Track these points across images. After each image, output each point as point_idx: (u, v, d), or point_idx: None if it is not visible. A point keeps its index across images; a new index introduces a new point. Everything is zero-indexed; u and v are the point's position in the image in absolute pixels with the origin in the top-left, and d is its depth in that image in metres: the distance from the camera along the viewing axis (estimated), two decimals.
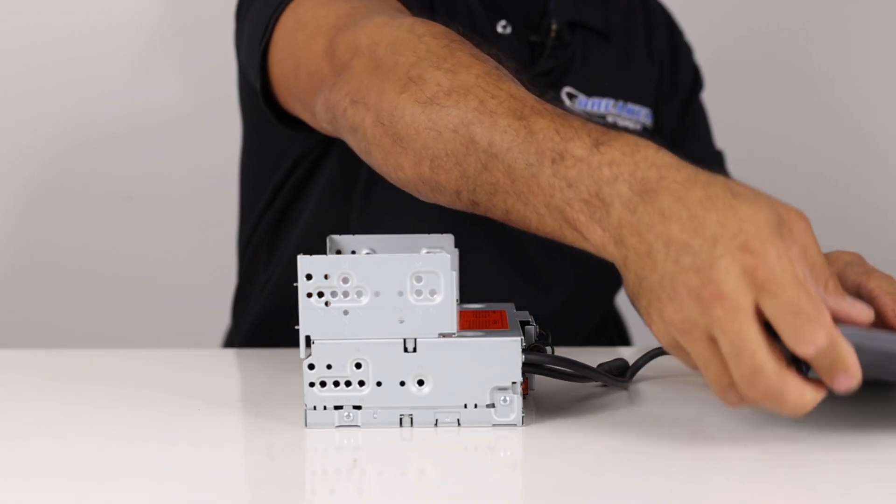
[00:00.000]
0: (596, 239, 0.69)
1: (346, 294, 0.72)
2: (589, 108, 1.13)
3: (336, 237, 0.85)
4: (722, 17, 1.59)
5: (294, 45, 0.95)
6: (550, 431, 0.74)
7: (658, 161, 0.67)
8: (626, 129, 1.07)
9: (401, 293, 0.72)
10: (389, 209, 1.05)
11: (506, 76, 0.78)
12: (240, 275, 1.22)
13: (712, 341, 0.65)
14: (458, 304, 0.74)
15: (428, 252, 0.80)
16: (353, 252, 0.84)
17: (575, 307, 1.11)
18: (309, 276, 0.72)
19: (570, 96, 1.12)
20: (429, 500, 0.63)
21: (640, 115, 1.15)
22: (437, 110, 0.77)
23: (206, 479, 0.68)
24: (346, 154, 1.09)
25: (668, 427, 0.76)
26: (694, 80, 1.23)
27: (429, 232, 0.82)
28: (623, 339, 1.28)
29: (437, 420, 0.74)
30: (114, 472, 0.68)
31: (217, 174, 1.52)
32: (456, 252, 0.80)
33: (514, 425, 0.74)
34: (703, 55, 1.27)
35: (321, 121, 0.91)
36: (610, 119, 1.13)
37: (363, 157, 0.85)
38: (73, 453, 0.72)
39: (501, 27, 1.11)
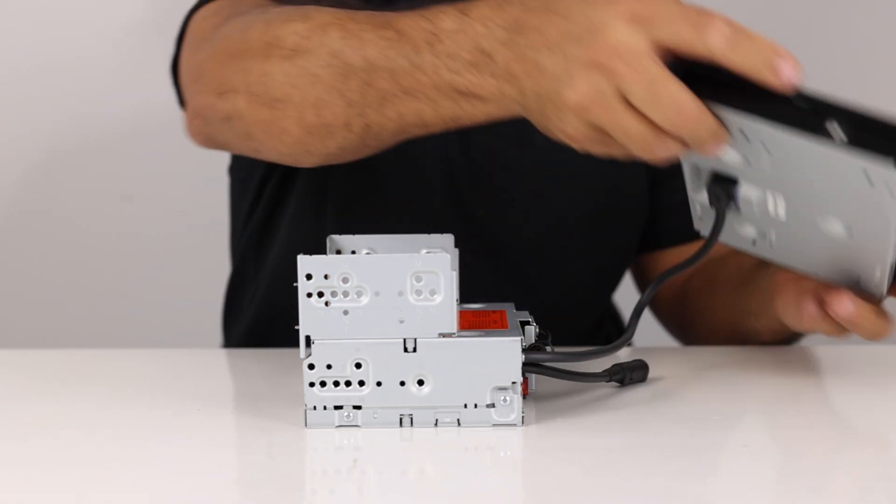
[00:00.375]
0: (491, 90, 0.71)
1: (346, 294, 0.72)
2: None
3: (336, 237, 0.85)
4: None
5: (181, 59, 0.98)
6: (550, 431, 0.74)
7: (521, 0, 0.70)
8: None
9: (401, 293, 0.72)
10: (365, 219, 1.04)
11: (360, 8, 0.80)
12: (229, 286, 1.22)
13: (625, 102, 0.65)
14: (458, 304, 0.74)
15: (428, 252, 0.80)
16: (353, 252, 0.84)
17: (563, 307, 1.10)
18: (309, 276, 0.72)
19: None
20: (429, 500, 0.63)
21: None
22: (304, 56, 0.79)
23: (205, 479, 0.68)
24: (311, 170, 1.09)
25: (668, 427, 0.76)
26: None
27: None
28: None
29: (437, 420, 0.74)
30: (113, 472, 0.68)
31: (217, 174, 1.52)
32: (456, 252, 0.80)
33: (514, 425, 0.74)
34: None
35: (193, 135, 0.91)
36: None
37: (244, 145, 0.85)
38: (73, 453, 0.72)
39: None
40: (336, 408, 0.74)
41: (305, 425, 0.74)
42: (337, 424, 0.74)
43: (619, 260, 1.15)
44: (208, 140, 0.91)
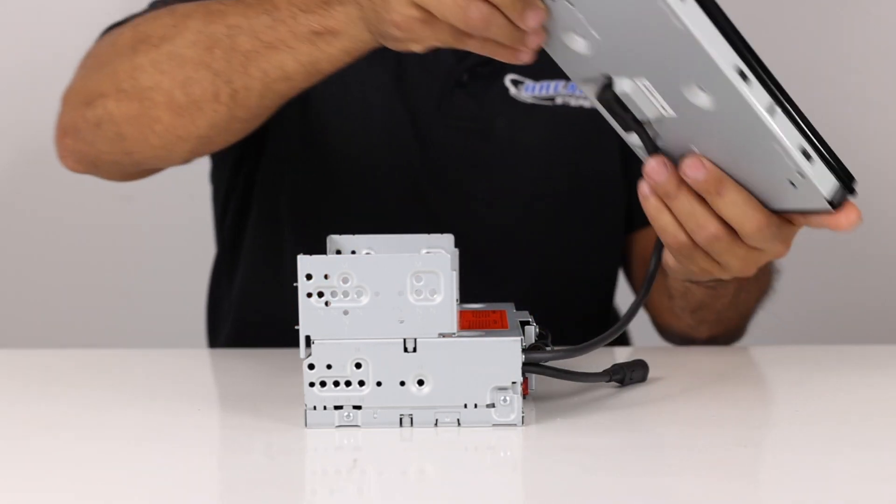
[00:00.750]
0: (341, 20, 0.77)
1: (346, 294, 0.72)
2: (536, 92, 1.12)
3: (335, 237, 0.85)
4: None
5: None
6: (550, 431, 0.74)
7: None
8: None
9: (401, 293, 0.72)
10: (326, 230, 1.05)
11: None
12: (208, 301, 1.23)
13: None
14: (458, 304, 0.74)
15: (428, 252, 0.80)
16: (353, 252, 0.84)
17: (539, 299, 1.09)
18: (309, 276, 0.72)
19: (515, 83, 1.12)
20: (429, 500, 0.63)
21: None
22: (170, 41, 0.84)
23: (206, 479, 0.68)
24: (267, 179, 1.10)
25: (668, 427, 0.76)
26: None
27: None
28: (621, 338, 1.27)
29: (437, 420, 0.74)
30: (113, 472, 0.67)
31: None
32: (456, 252, 0.80)
33: (514, 425, 0.73)
34: None
35: (64, 157, 0.96)
36: (559, 100, 1.12)
37: (118, 148, 0.89)
38: (72, 453, 0.72)
39: None
40: (336, 408, 0.73)
41: (305, 425, 0.74)
42: (337, 424, 0.74)
43: (597, 245, 1.14)
44: (80, 158, 0.94)
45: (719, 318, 1.00)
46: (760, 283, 1.03)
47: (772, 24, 1.63)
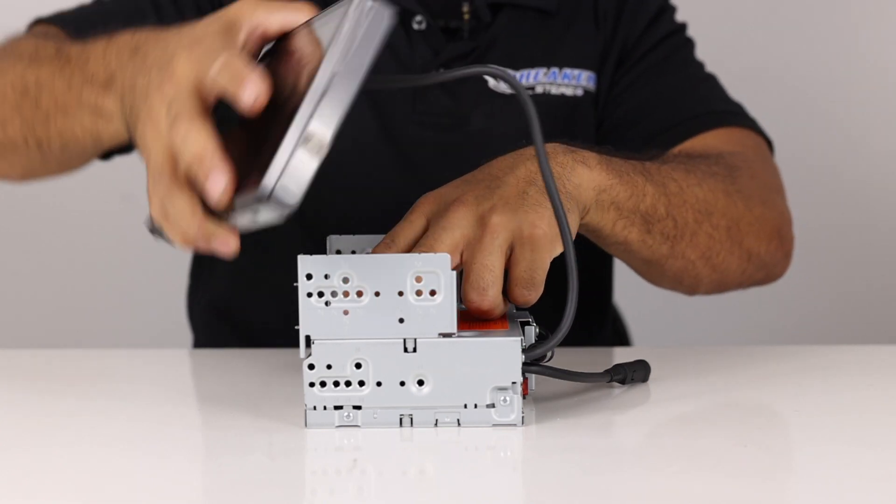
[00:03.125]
0: (112, 108, 0.78)
1: (346, 294, 0.72)
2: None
3: (335, 237, 0.85)
4: (722, 16, 1.59)
5: None
6: (550, 431, 0.74)
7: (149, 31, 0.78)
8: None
9: (401, 293, 0.72)
10: (307, 231, 1.05)
11: (59, 40, 0.89)
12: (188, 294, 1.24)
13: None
14: (458, 304, 0.74)
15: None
16: (353, 252, 0.84)
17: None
18: (309, 276, 0.72)
19: (494, 75, 1.12)
20: (429, 500, 0.63)
21: (580, 78, 1.12)
22: (2, 77, 0.89)
23: (206, 479, 0.68)
24: None
25: (667, 427, 0.76)
26: (640, 38, 1.17)
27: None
28: (622, 339, 1.27)
29: (437, 420, 0.74)
30: (113, 472, 0.68)
31: None
32: None
33: (514, 425, 0.74)
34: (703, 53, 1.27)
35: None
36: (539, 89, 1.11)
37: None
38: (72, 453, 0.72)
39: (416, 23, 1.11)
40: (336, 408, 0.74)
41: (305, 425, 0.74)
42: (337, 424, 0.74)
43: (583, 237, 1.12)
44: None
45: (676, 223, 0.92)
46: (694, 171, 0.95)
47: (771, 24, 1.63)
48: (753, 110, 1.18)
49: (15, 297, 1.63)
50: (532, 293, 0.78)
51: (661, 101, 1.12)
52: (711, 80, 1.16)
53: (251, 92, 0.66)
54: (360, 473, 0.67)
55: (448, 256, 0.72)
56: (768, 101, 1.52)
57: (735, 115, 1.11)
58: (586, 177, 0.82)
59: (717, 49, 1.31)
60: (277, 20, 0.72)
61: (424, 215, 0.80)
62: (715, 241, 0.94)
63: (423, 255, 0.72)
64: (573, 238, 0.79)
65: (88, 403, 0.82)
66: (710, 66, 1.20)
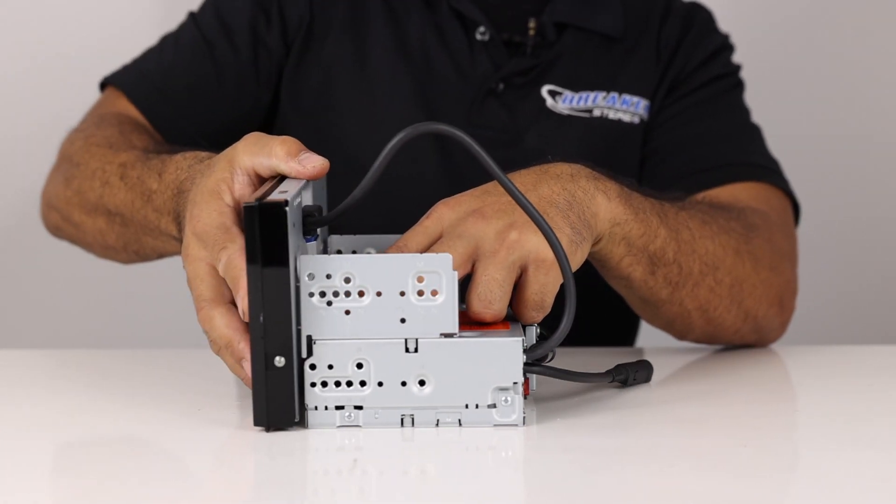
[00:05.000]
0: (177, 234, 0.87)
1: (347, 294, 0.72)
2: (574, 103, 1.12)
3: (336, 237, 0.85)
4: (725, 15, 1.59)
5: None
6: (551, 431, 0.74)
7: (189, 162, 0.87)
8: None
9: (403, 293, 0.72)
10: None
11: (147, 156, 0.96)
12: None
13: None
14: (459, 305, 0.74)
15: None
16: (355, 252, 0.84)
17: (556, 316, 1.08)
18: (311, 276, 0.72)
19: (553, 93, 1.12)
20: (429, 500, 0.64)
21: (638, 106, 1.13)
22: (94, 194, 1.00)
23: (206, 479, 0.68)
24: None
25: (668, 427, 0.76)
26: (694, 72, 1.17)
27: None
28: (626, 339, 1.27)
29: (438, 420, 0.74)
30: (113, 472, 0.68)
31: None
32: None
33: (516, 425, 0.74)
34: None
35: (50, 226, 1.12)
36: (597, 112, 1.12)
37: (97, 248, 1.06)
38: (72, 453, 0.72)
39: (480, 34, 1.12)
40: (337, 408, 0.74)
41: (306, 425, 0.74)
42: (338, 424, 0.74)
43: None
44: (63, 236, 1.11)
45: (681, 270, 0.92)
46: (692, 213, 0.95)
47: (771, 25, 1.63)
48: (753, 111, 1.18)
49: (15, 298, 1.63)
50: (541, 315, 0.78)
51: (700, 142, 1.12)
52: (754, 132, 1.16)
53: (241, 304, 0.72)
54: (361, 473, 0.67)
55: (449, 257, 0.72)
56: (768, 101, 1.52)
57: (769, 172, 1.10)
58: (604, 207, 0.82)
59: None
60: (266, 165, 0.77)
61: (440, 222, 0.79)
62: (715, 295, 0.94)
63: (424, 255, 0.72)
64: (579, 266, 0.80)
65: (87, 403, 0.82)
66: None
